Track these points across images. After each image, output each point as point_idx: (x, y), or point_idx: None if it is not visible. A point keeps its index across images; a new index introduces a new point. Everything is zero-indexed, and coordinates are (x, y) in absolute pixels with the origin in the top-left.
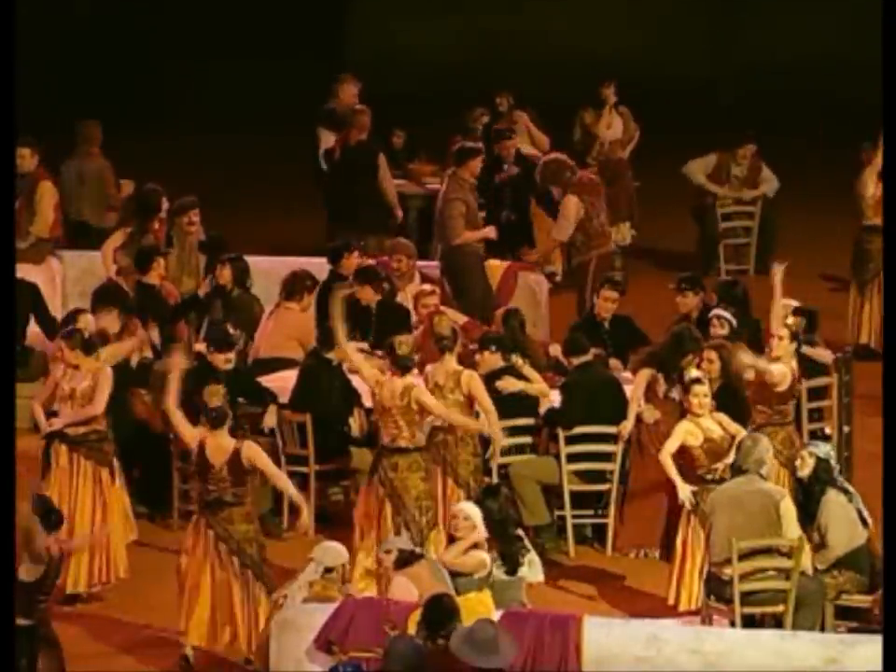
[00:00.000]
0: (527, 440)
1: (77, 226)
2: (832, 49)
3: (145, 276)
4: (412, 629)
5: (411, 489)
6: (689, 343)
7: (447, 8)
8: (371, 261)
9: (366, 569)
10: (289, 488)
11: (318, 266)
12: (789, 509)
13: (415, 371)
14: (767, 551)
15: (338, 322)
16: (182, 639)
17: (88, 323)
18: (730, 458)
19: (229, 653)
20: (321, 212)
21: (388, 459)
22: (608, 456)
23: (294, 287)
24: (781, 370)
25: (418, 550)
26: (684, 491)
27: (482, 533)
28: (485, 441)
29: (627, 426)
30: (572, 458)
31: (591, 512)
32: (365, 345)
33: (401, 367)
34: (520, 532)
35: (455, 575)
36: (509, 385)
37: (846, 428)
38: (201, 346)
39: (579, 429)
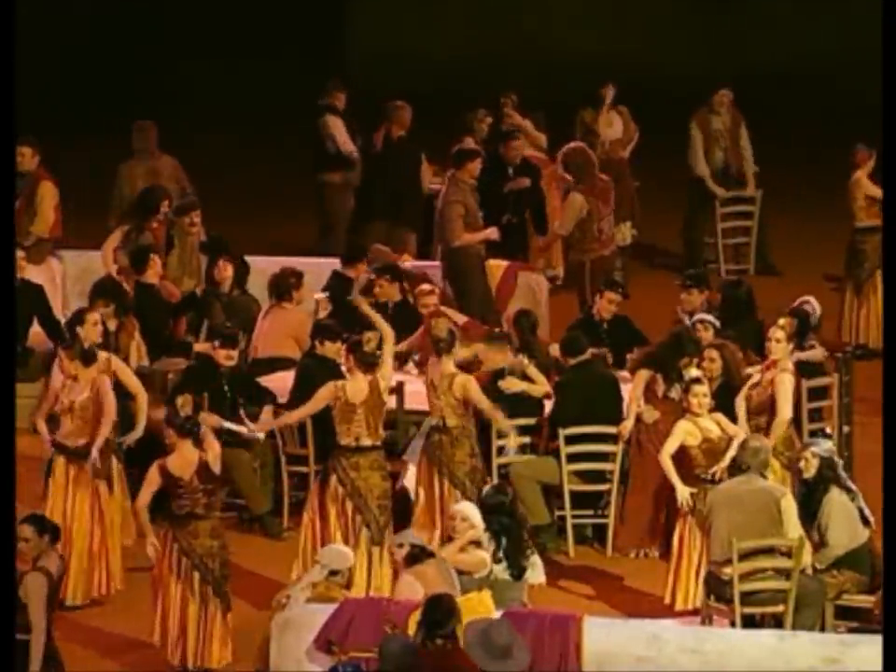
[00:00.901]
0: (527, 440)
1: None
2: (831, 50)
3: (142, 276)
4: (412, 629)
5: (374, 488)
6: (688, 344)
7: (447, 9)
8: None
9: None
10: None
11: (317, 266)
12: (790, 506)
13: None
14: (767, 550)
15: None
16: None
17: (96, 321)
18: (726, 461)
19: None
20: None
21: (348, 459)
22: (607, 456)
23: (280, 287)
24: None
25: (429, 547)
26: (683, 493)
27: (480, 532)
28: (485, 441)
29: (627, 426)
30: (572, 458)
31: (591, 512)
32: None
33: (366, 364)
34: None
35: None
36: (511, 384)
37: (845, 428)
38: (201, 346)
39: (579, 429)
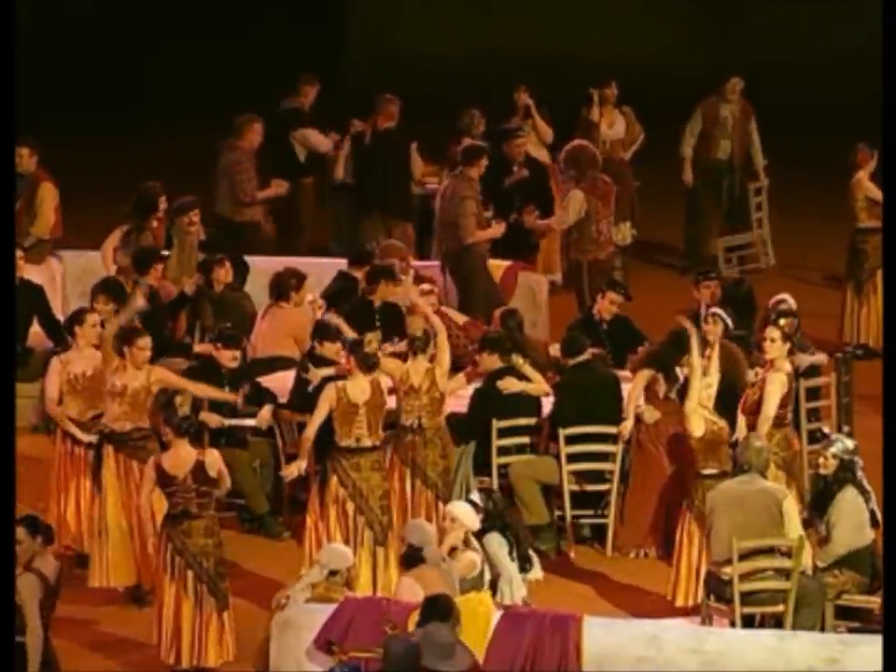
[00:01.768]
0: (527, 440)
1: (217, 220)
2: (832, 50)
3: (142, 278)
4: (411, 629)
5: (375, 489)
6: (688, 343)
7: (447, 9)
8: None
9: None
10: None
11: (316, 266)
12: (791, 508)
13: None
14: (767, 551)
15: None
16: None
17: (95, 322)
18: (725, 463)
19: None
20: (320, 213)
21: (349, 460)
22: (607, 456)
23: (281, 287)
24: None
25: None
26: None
27: (470, 534)
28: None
29: (627, 426)
30: (572, 458)
31: (591, 512)
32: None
33: (368, 364)
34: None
35: None
36: (510, 385)
37: (845, 428)
38: (202, 347)
39: (579, 429)
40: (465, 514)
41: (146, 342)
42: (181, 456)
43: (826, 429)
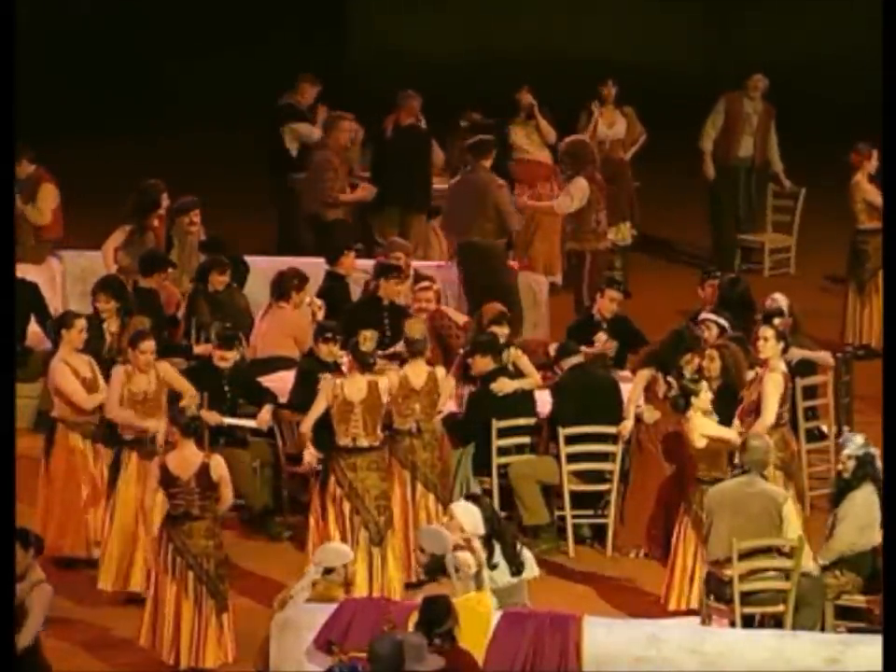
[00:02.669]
0: (527, 440)
1: (309, 219)
2: (832, 50)
3: (144, 279)
4: (411, 629)
5: (371, 489)
6: (688, 342)
7: (447, 9)
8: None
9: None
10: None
11: (316, 266)
12: (790, 512)
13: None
14: (767, 551)
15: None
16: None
17: (82, 328)
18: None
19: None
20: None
21: (346, 460)
22: (607, 456)
23: (282, 287)
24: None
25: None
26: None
27: (470, 535)
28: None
29: (627, 426)
30: (572, 458)
31: (591, 512)
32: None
33: (364, 363)
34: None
35: None
36: (504, 386)
37: (845, 428)
38: (202, 349)
39: (579, 430)
40: (464, 514)
41: (148, 345)
42: (186, 457)
43: (824, 428)
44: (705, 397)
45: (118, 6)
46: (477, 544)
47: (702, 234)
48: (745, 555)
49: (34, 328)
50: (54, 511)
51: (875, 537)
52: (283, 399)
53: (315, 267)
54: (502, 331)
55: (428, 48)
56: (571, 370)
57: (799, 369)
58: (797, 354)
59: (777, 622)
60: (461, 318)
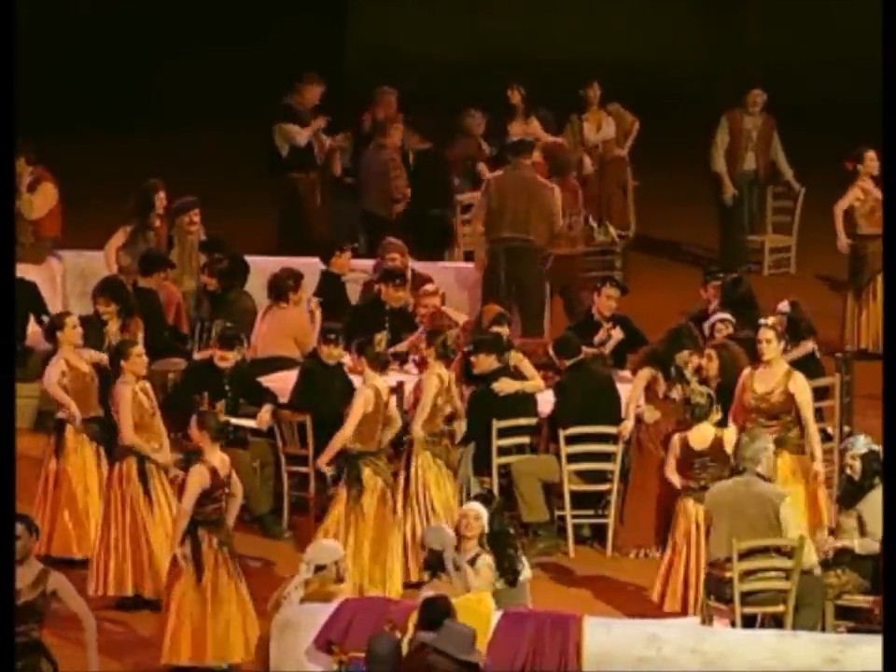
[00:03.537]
0: (527, 440)
1: (367, 216)
2: (831, 49)
3: (143, 279)
4: (411, 629)
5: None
6: (687, 341)
7: (447, 9)
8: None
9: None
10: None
11: (312, 266)
12: (788, 512)
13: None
14: (767, 550)
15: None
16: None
17: (75, 324)
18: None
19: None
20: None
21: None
22: (608, 456)
23: (279, 288)
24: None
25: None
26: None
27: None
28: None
29: (627, 425)
30: (572, 458)
31: (591, 512)
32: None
33: (381, 364)
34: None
35: None
36: (505, 386)
37: (846, 428)
38: (201, 354)
39: (579, 429)
40: (484, 513)
41: (139, 349)
42: (222, 461)
43: (829, 429)
44: (715, 415)
45: (118, 5)
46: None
47: (702, 234)
48: (745, 555)
49: (34, 328)
50: (62, 512)
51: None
52: (283, 399)
53: (315, 266)
54: (503, 332)
55: (429, 48)
56: (572, 369)
57: (804, 370)
58: (792, 355)
59: (777, 622)
60: (461, 318)
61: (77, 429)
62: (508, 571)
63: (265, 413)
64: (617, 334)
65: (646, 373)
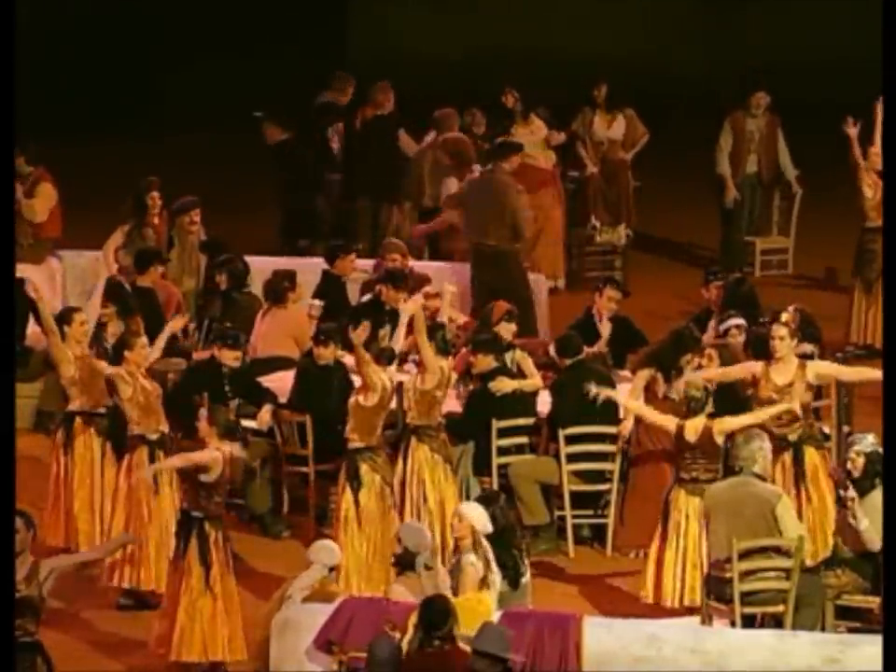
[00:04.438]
0: (526, 440)
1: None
2: (831, 49)
3: (140, 278)
4: (411, 629)
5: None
6: (689, 342)
7: (447, 9)
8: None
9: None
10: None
11: (314, 266)
12: (785, 511)
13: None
14: (767, 550)
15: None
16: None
17: (83, 321)
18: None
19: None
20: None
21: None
22: (607, 456)
23: (276, 292)
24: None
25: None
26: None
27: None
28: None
29: (627, 426)
30: (572, 458)
31: (591, 512)
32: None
33: (387, 358)
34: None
35: None
36: (503, 385)
37: (845, 428)
38: (200, 354)
39: (578, 429)
40: (474, 513)
41: (143, 340)
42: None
43: (826, 429)
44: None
45: (118, 6)
46: (486, 543)
47: (702, 234)
48: (744, 555)
49: (34, 327)
50: (66, 507)
51: None
52: (283, 399)
53: (315, 266)
54: (510, 329)
55: (429, 48)
56: (571, 368)
57: None
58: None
59: (777, 622)
60: (461, 318)
61: (85, 423)
62: (510, 571)
63: (265, 412)
64: (606, 331)
65: (646, 373)
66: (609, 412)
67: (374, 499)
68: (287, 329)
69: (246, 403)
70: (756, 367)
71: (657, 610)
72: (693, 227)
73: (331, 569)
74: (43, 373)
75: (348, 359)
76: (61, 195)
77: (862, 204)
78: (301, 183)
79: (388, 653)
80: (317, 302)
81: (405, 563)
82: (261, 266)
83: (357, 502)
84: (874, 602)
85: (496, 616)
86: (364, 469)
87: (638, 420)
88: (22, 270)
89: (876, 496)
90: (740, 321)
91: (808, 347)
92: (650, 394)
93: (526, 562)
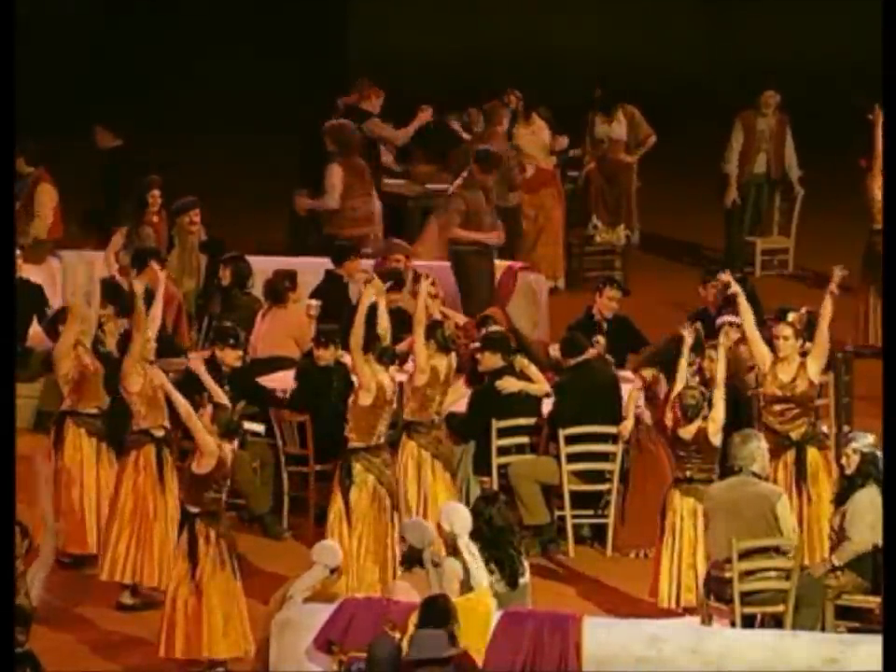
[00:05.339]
0: (527, 440)
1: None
2: (831, 49)
3: (138, 277)
4: (411, 629)
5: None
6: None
7: (447, 9)
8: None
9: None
10: None
11: (316, 266)
12: (785, 510)
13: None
14: (766, 550)
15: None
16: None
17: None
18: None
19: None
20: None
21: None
22: (607, 456)
23: (276, 292)
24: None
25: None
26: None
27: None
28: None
29: (627, 426)
30: (572, 458)
31: (591, 512)
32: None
33: (389, 358)
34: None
35: None
36: (509, 384)
37: (845, 428)
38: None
39: (579, 429)
40: (451, 514)
41: (149, 333)
42: (228, 457)
43: (825, 428)
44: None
45: (118, 6)
46: (463, 545)
47: (702, 234)
48: (744, 555)
49: (34, 328)
50: (60, 508)
51: (878, 537)
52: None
53: (314, 266)
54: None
55: (429, 47)
56: (575, 367)
57: None
58: None
59: (777, 622)
60: (461, 318)
61: (75, 424)
62: (508, 572)
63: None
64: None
65: (647, 373)
66: (613, 412)
67: (366, 499)
68: (287, 329)
69: (246, 403)
70: (767, 357)
71: (658, 610)
72: (696, 227)
73: (333, 571)
74: (43, 373)
75: (348, 359)
76: (61, 195)
77: (871, 207)
78: (124, 191)
79: (388, 653)
80: (315, 302)
81: (412, 559)
82: (263, 266)
83: (346, 501)
84: (873, 602)
85: (496, 616)
86: (357, 468)
87: (638, 420)
88: (22, 270)
89: (863, 496)
90: (734, 318)
91: (808, 346)
92: (650, 394)
93: (525, 562)
